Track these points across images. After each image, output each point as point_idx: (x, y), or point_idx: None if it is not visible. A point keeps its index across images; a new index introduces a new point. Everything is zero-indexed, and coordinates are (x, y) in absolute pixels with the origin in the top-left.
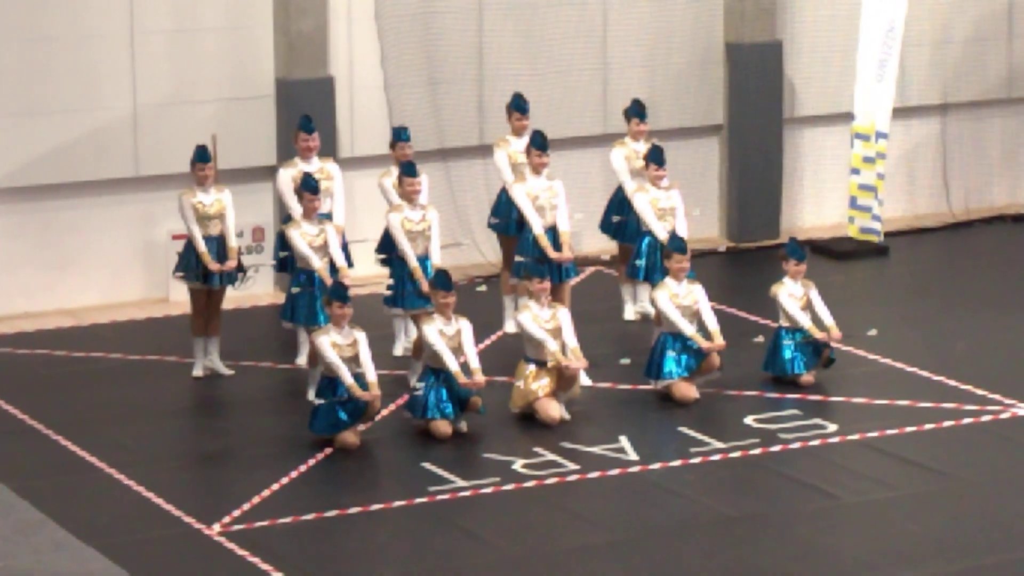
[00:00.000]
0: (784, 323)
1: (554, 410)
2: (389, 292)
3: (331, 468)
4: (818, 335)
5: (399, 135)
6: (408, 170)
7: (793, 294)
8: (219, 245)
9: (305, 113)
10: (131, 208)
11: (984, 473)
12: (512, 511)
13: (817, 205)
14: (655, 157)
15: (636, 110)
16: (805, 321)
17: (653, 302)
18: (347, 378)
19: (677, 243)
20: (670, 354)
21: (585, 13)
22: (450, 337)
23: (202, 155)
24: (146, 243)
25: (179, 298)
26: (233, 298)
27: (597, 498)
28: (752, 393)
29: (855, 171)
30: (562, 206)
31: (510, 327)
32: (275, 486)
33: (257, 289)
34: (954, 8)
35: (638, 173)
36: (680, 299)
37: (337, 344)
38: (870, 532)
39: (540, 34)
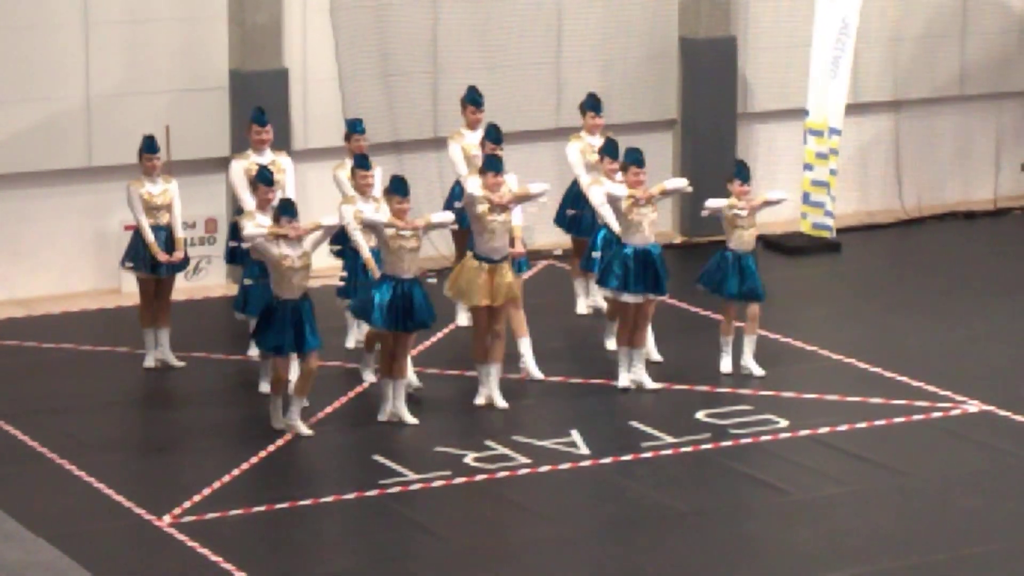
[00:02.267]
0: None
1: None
2: (342, 283)
3: (282, 460)
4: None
5: (353, 127)
6: (361, 163)
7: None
8: (167, 235)
9: (258, 105)
10: (83, 198)
11: (934, 470)
12: (463, 504)
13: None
14: (609, 150)
15: (592, 104)
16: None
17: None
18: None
19: (634, 156)
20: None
21: (540, 7)
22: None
23: (150, 145)
24: (98, 233)
25: (131, 289)
26: (184, 289)
27: (548, 492)
28: (703, 388)
29: (808, 167)
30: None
31: (462, 320)
32: (226, 478)
33: (209, 280)
34: (907, 6)
35: (593, 167)
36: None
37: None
38: (820, 528)
39: (495, 27)
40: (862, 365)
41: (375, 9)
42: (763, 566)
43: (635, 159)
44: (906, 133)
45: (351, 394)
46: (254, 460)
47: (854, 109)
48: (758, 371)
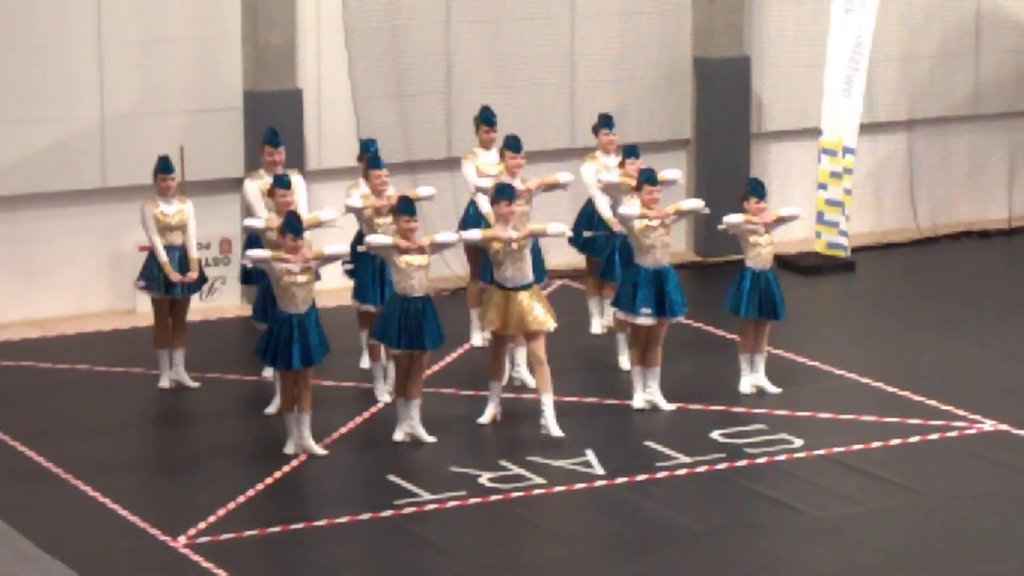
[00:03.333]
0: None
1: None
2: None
3: (297, 480)
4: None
5: (367, 148)
6: (374, 163)
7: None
8: (181, 255)
9: (271, 127)
10: (98, 219)
11: (949, 489)
12: (477, 525)
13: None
14: (634, 152)
15: (604, 122)
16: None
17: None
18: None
19: (647, 174)
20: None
21: (553, 27)
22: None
23: (164, 166)
24: (113, 254)
25: (146, 309)
26: (199, 310)
27: (562, 512)
28: (718, 408)
29: (822, 186)
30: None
31: (476, 340)
32: (241, 498)
33: (223, 301)
34: (921, 25)
35: (610, 186)
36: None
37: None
38: (834, 547)
39: (508, 48)
40: (876, 384)
41: (389, 29)
42: None
43: (648, 178)
44: (920, 152)
45: (365, 414)
46: (269, 480)
47: (868, 128)
48: (772, 388)
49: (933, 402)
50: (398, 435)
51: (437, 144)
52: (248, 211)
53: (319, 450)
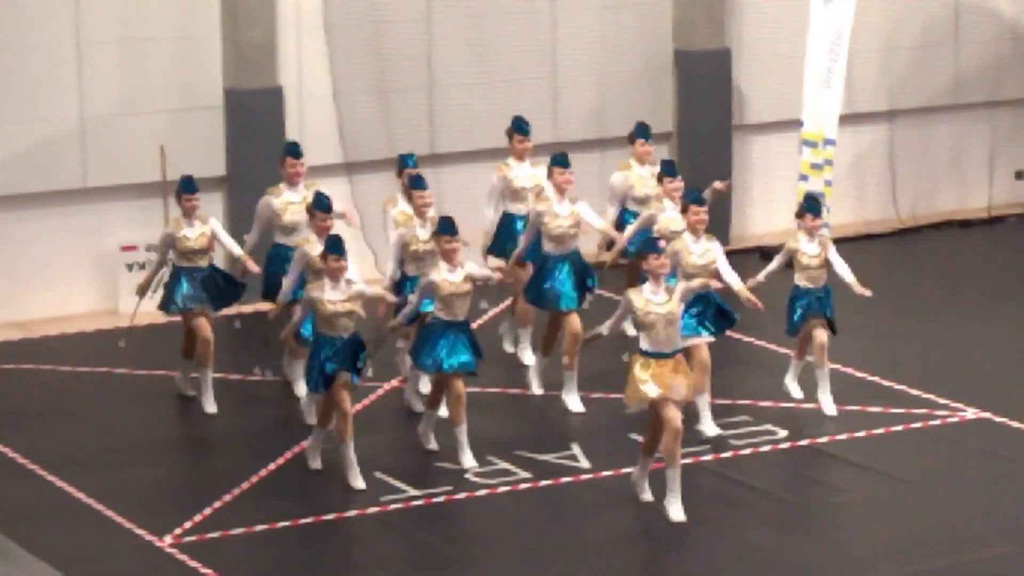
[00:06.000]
0: (800, 281)
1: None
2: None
3: (283, 479)
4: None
5: (405, 163)
6: (418, 183)
7: (806, 252)
8: (204, 277)
9: (292, 140)
10: (80, 219)
11: (934, 477)
12: (465, 519)
13: (766, 211)
14: (669, 170)
15: (641, 131)
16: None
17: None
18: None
19: (693, 195)
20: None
21: (534, 22)
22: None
23: (187, 185)
24: (95, 254)
25: (127, 309)
26: None
27: (549, 506)
28: (725, 401)
29: (803, 177)
30: (590, 214)
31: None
32: (227, 497)
33: None
34: (901, 15)
35: (641, 201)
36: (695, 257)
37: (333, 301)
38: (821, 536)
39: (489, 43)
40: (860, 374)
41: (370, 26)
42: (765, 575)
43: (695, 199)
44: (901, 142)
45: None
46: (255, 479)
47: (849, 119)
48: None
49: (916, 391)
50: (432, 445)
51: (420, 140)
52: (260, 224)
53: (359, 483)
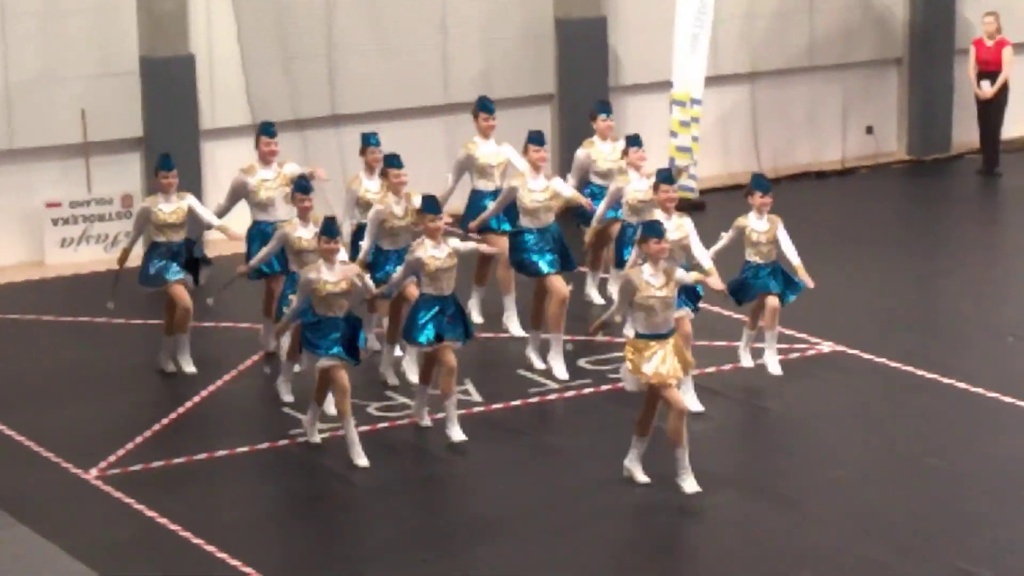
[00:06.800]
0: (750, 257)
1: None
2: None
3: (199, 415)
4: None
5: (367, 140)
6: (392, 162)
7: (756, 229)
8: (178, 251)
9: (266, 120)
10: (7, 179)
11: (791, 405)
12: (367, 450)
13: None
14: (665, 177)
15: (602, 108)
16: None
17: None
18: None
19: (664, 174)
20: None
21: None
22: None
23: (165, 162)
24: (22, 211)
25: (55, 261)
26: (105, 261)
27: (445, 436)
28: (583, 338)
29: (673, 134)
30: (560, 184)
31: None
32: (147, 433)
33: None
34: None
35: (604, 175)
36: (668, 234)
37: (330, 282)
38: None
39: (385, 12)
40: (726, 313)
41: None
42: (638, 491)
43: (665, 177)
44: (761, 101)
45: (262, 352)
46: (173, 416)
47: (714, 81)
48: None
49: (778, 328)
50: (425, 422)
51: (322, 102)
52: (232, 199)
53: (363, 461)
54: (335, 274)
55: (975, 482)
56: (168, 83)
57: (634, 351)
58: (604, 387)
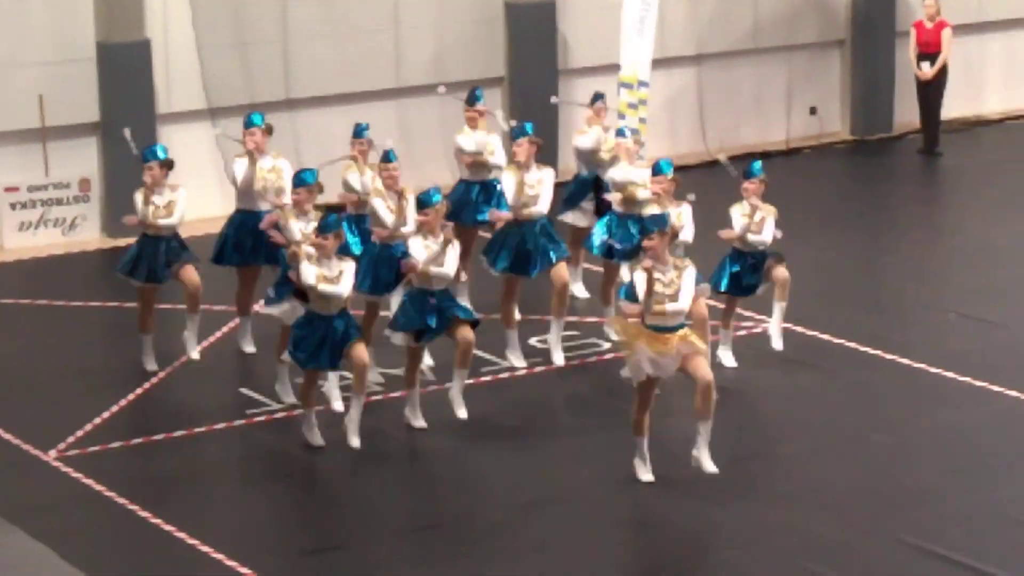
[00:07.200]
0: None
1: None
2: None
3: (157, 396)
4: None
5: (359, 132)
6: (387, 157)
7: (745, 213)
8: (168, 246)
9: (252, 112)
10: None
11: (737, 383)
12: (320, 429)
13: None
14: (621, 131)
15: (598, 96)
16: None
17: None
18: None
19: (656, 166)
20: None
21: None
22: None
23: (150, 153)
24: None
25: (11, 245)
26: (62, 244)
27: (398, 415)
28: (535, 317)
29: (621, 116)
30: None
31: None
32: (106, 414)
33: (85, 235)
34: None
35: (594, 162)
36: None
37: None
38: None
39: None
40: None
41: None
42: (579, 470)
43: (656, 169)
44: (707, 83)
45: (218, 333)
46: (131, 397)
47: (661, 63)
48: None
49: (721, 306)
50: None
51: (276, 87)
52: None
53: (355, 441)
54: (331, 270)
55: (918, 456)
56: (124, 68)
57: (640, 339)
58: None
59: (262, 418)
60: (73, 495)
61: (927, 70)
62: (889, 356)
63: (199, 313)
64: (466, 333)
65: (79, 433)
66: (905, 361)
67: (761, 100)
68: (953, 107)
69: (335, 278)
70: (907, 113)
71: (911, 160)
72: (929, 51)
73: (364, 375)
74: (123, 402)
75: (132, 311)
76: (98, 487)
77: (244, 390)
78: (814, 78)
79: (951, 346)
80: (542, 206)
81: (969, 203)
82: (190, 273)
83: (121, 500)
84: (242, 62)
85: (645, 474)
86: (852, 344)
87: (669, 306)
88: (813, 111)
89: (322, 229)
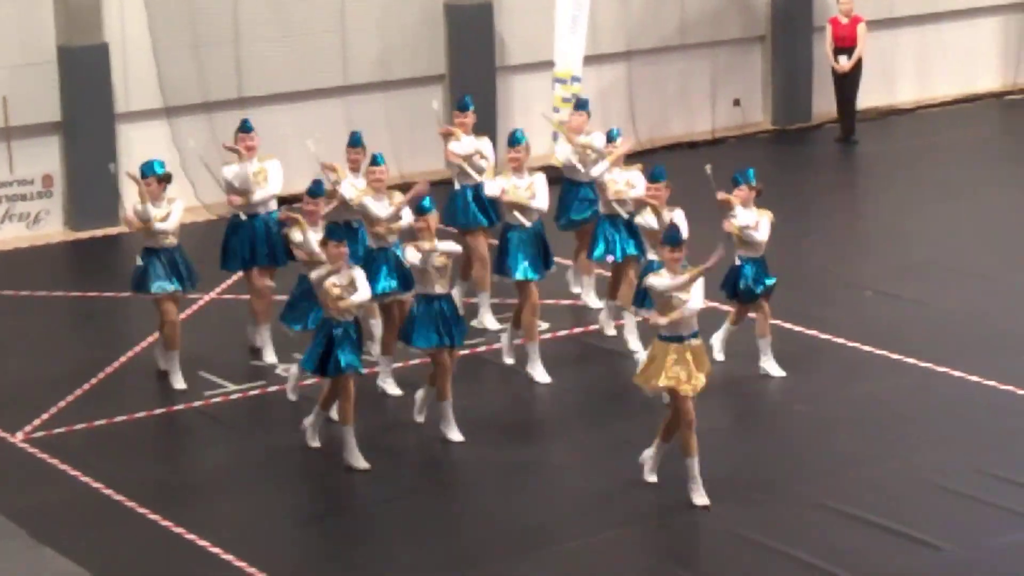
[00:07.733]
0: (739, 250)
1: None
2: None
3: (118, 380)
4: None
5: (355, 141)
6: (375, 161)
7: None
8: (169, 258)
9: (245, 118)
10: None
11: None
12: (273, 409)
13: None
14: (611, 134)
15: (581, 103)
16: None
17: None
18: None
19: (651, 173)
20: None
21: None
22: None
23: (149, 167)
24: None
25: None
26: (27, 237)
27: (408, 415)
28: (474, 301)
29: (556, 110)
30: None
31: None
32: (70, 397)
33: (48, 229)
34: None
35: (573, 170)
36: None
37: (337, 285)
38: (557, 404)
39: (287, 1)
40: (607, 274)
41: None
42: (510, 430)
43: (651, 176)
44: (637, 78)
45: (182, 316)
46: (93, 381)
47: (593, 59)
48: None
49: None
50: (420, 418)
51: (229, 86)
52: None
53: (361, 463)
54: (342, 277)
55: (838, 425)
56: (84, 70)
57: (658, 353)
58: (496, 345)
59: (219, 399)
60: (41, 476)
61: (844, 63)
62: (810, 331)
63: (177, 349)
64: (444, 360)
65: (45, 416)
66: (826, 336)
67: (688, 93)
68: (868, 98)
69: (348, 286)
70: (825, 104)
71: (829, 148)
72: (845, 45)
73: (350, 403)
74: (87, 385)
75: (94, 300)
76: (63, 466)
77: (202, 373)
78: (737, 72)
79: (868, 321)
80: (541, 203)
81: (884, 188)
82: (170, 308)
83: (85, 479)
84: (196, 63)
85: (651, 476)
86: (775, 321)
87: (686, 309)
88: (737, 103)
89: (333, 237)
